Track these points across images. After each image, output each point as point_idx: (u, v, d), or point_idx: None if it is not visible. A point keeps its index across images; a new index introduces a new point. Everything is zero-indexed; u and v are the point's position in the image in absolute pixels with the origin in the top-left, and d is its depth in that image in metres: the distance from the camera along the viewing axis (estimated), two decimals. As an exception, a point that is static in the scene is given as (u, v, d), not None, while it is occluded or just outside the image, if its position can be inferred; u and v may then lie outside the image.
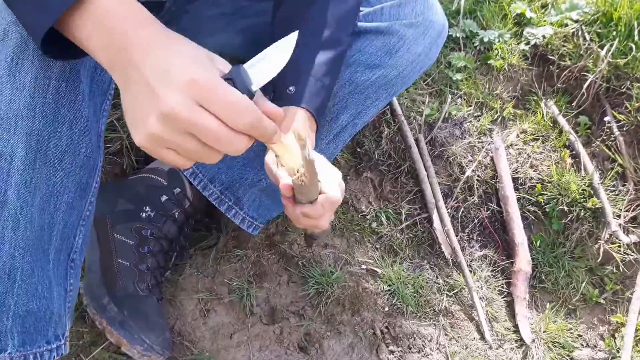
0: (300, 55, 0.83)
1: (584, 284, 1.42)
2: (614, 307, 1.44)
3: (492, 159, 1.48)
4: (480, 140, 1.49)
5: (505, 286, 1.38)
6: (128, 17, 0.58)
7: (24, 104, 0.67)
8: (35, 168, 0.69)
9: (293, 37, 0.61)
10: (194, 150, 0.57)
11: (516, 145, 1.52)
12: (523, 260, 1.37)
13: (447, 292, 1.31)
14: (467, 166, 1.44)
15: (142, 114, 0.56)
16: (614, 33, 1.58)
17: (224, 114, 0.55)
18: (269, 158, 0.83)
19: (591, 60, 1.58)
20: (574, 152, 1.54)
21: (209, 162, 0.59)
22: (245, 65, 0.59)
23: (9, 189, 0.68)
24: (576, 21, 1.64)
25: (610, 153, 1.56)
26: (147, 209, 1.10)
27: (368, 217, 1.35)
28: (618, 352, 1.34)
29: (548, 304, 1.40)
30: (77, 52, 0.61)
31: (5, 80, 0.66)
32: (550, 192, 1.45)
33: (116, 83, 0.60)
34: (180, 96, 0.54)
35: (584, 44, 1.60)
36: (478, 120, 1.52)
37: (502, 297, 1.36)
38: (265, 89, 0.72)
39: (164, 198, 1.11)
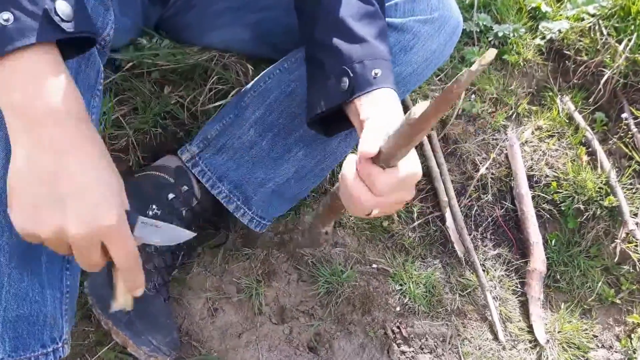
0: (372, 42, 0.80)
1: (599, 284, 1.39)
2: (630, 307, 1.41)
3: (506, 156, 1.45)
4: (494, 137, 1.46)
5: (519, 286, 1.35)
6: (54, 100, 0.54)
7: None
8: None
9: (191, 234, 0.68)
10: (62, 252, 0.59)
11: (531, 142, 1.49)
12: (538, 260, 1.34)
13: (460, 292, 1.28)
14: (481, 164, 1.41)
15: (39, 213, 0.55)
16: (632, 27, 1.54)
17: (116, 256, 0.59)
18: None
19: (608, 56, 1.54)
20: (590, 149, 1.51)
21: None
22: (147, 221, 0.64)
23: None
24: (593, 15, 1.60)
25: (627, 150, 1.53)
26: (154, 207, 1.08)
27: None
28: (634, 353, 1.31)
29: (563, 303, 1.37)
30: None
31: None
32: (566, 190, 1.42)
33: (12, 146, 0.54)
34: (89, 233, 0.56)
35: (601, 39, 1.56)
36: (492, 117, 1.49)
37: (516, 297, 1.33)
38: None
39: (171, 196, 1.09)
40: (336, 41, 0.81)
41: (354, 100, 0.77)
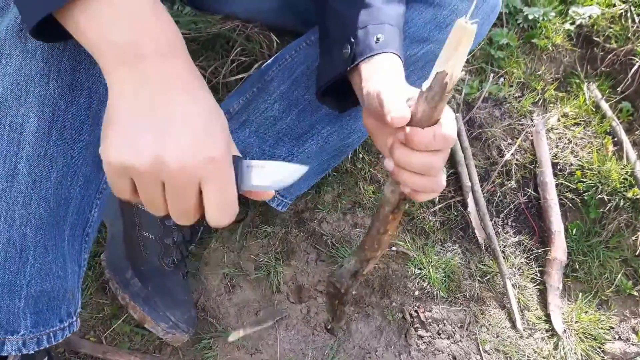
0: (378, 6, 0.75)
1: (618, 276, 1.37)
2: (646, 300, 1.39)
3: (531, 142, 1.42)
4: (520, 123, 1.43)
5: (538, 274, 1.33)
6: (160, 30, 0.52)
7: (36, 69, 0.60)
8: (51, 140, 0.64)
9: (303, 169, 0.58)
10: (150, 200, 0.53)
11: (557, 129, 1.46)
12: (559, 249, 1.32)
13: (479, 278, 1.26)
14: (506, 149, 1.38)
15: (138, 139, 0.50)
16: (666, 15, 1.50)
17: (211, 203, 0.52)
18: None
19: (639, 44, 1.50)
20: (615, 139, 1.48)
21: (150, 211, 0.55)
22: (252, 163, 0.56)
23: (19, 162, 0.63)
24: (625, 2, 1.55)
25: (653, 142, 1.50)
26: None
27: (400, 197, 1.29)
28: (651, 347, 1.30)
29: (580, 294, 1.35)
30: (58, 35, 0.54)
31: (15, 42, 0.59)
32: (590, 179, 1.39)
33: (110, 83, 0.52)
34: (189, 165, 0.50)
35: (632, 26, 1.51)
36: (519, 102, 1.46)
37: (535, 285, 1.32)
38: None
39: (192, 170, 1.06)
40: (341, 7, 0.76)
41: (357, 68, 0.72)
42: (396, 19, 0.76)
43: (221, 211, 0.53)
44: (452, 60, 0.53)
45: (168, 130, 0.50)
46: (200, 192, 0.52)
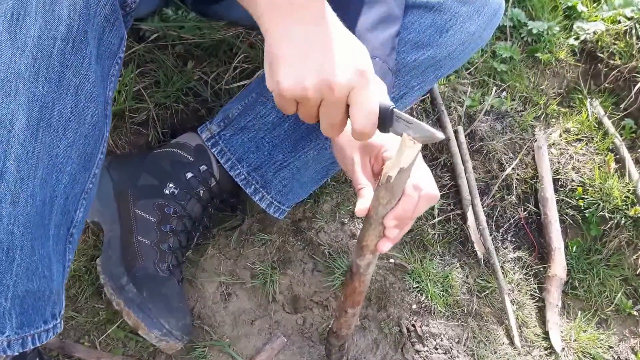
0: (362, 36, 0.77)
1: (618, 295, 1.36)
2: (647, 320, 1.38)
3: (533, 157, 1.41)
4: (521, 137, 1.42)
5: (537, 291, 1.32)
6: None
7: (26, 65, 0.60)
8: (38, 138, 0.64)
9: (441, 136, 0.67)
10: (308, 115, 0.66)
11: (558, 144, 1.45)
12: (559, 266, 1.31)
13: (477, 293, 1.25)
14: (507, 163, 1.37)
15: (303, 70, 0.62)
16: (670, 33, 1.50)
17: (359, 109, 0.64)
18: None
19: (643, 61, 1.50)
20: (617, 156, 1.47)
21: (305, 121, 0.68)
22: (400, 115, 0.66)
23: (8, 160, 0.63)
24: (630, 18, 1.55)
25: (655, 160, 1.49)
26: (171, 185, 1.04)
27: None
28: (650, 367, 1.28)
29: (580, 312, 1.34)
30: None
31: (5, 38, 0.59)
32: (592, 196, 1.38)
33: (267, 28, 0.64)
34: (345, 80, 0.62)
35: (637, 44, 1.51)
36: (521, 116, 1.45)
37: (534, 302, 1.30)
38: None
39: (189, 175, 1.05)
40: None
41: None
42: (382, 50, 0.79)
43: (367, 116, 0.64)
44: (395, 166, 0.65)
45: (324, 56, 0.62)
46: (347, 107, 0.64)
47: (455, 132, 1.36)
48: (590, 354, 1.27)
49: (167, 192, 1.04)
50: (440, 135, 0.65)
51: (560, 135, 1.47)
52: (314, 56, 0.62)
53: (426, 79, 0.98)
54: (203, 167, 1.06)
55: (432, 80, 1.00)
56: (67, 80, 0.64)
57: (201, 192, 1.06)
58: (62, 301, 0.77)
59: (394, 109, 0.66)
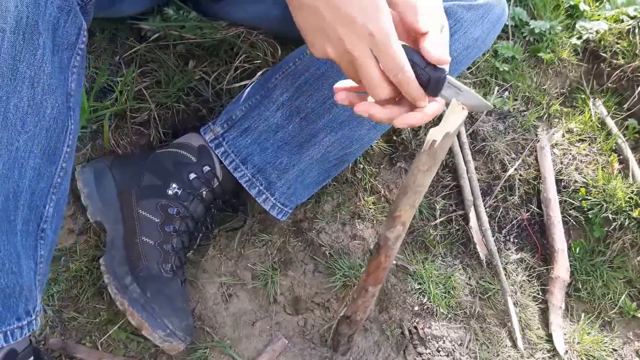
0: None
1: (622, 297, 1.35)
2: (650, 323, 1.37)
3: (535, 158, 1.40)
4: (524, 137, 1.41)
5: (540, 293, 1.31)
6: None
7: None
8: None
9: (489, 106, 0.71)
10: (352, 76, 0.69)
11: (561, 145, 1.44)
12: (562, 268, 1.30)
13: (480, 295, 1.24)
14: (509, 164, 1.37)
15: (330, 37, 0.66)
16: (674, 33, 1.49)
17: (385, 63, 0.65)
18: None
19: (647, 61, 1.49)
20: (621, 156, 1.46)
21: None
22: (453, 82, 0.68)
23: None
24: (633, 17, 1.54)
25: (659, 161, 1.48)
26: (174, 186, 1.04)
27: (401, 209, 1.28)
28: (654, 370, 1.27)
29: (583, 314, 1.33)
30: None
31: None
32: (595, 197, 1.37)
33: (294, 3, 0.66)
34: (359, 42, 0.64)
35: (640, 43, 1.50)
36: (523, 116, 1.44)
37: (537, 304, 1.29)
38: None
39: (192, 176, 1.05)
40: None
41: None
42: None
43: (391, 70, 0.65)
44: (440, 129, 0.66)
45: (348, 24, 0.64)
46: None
47: (457, 133, 1.35)
48: (594, 357, 1.26)
49: (170, 192, 1.04)
50: (489, 104, 0.68)
51: (563, 136, 1.46)
52: (333, 28, 0.65)
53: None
54: (206, 168, 1.05)
55: None
56: (21, 73, 0.63)
57: (204, 193, 1.06)
58: (35, 297, 0.76)
59: (447, 75, 0.67)
